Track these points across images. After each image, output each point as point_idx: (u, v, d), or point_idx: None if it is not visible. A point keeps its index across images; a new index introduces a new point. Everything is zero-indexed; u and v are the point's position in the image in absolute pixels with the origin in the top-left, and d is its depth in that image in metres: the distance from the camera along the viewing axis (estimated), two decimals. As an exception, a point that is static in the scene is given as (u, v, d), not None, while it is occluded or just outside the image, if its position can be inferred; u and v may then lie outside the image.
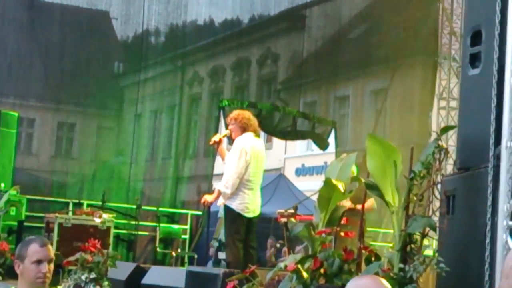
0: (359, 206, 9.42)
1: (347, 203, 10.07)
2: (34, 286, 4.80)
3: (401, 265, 6.65)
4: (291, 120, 17.48)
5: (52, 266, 4.86)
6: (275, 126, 17.74)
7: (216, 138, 10.17)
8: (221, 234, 14.87)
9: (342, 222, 8.92)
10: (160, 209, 16.75)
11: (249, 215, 9.80)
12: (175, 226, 16.54)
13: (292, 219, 10.54)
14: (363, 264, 7.46)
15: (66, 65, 19.72)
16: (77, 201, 15.82)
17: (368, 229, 10.64)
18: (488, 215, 6.07)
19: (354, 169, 9.15)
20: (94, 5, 20.02)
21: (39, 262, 4.77)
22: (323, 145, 18.05)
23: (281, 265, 7.79)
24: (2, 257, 11.83)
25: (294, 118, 17.52)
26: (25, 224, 14.35)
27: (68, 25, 19.71)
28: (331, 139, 18.09)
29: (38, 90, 19.96)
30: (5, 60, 18.98)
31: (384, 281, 3.28)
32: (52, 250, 4.90)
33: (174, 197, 19.48)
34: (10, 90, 19.01)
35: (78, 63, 19.79)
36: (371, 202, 10.49)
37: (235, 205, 9.75)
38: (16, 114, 15.44)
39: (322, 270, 7.40)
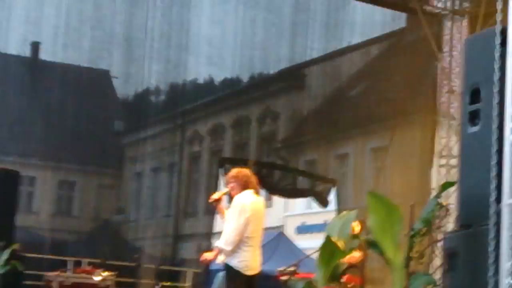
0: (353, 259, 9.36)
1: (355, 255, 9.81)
2: None
3: (403, 324, 6.61)
4: (291, 178, 17.51)
5: None
6: (276, 184, 17.75)
7: (216, 196, 10.14)
8: None
9: (343, 279, 8.87)
10: (160, 267, 16.64)
11: (250, 272, 9.74)
12: (175, 284, 16.45)
13: (293, 277, 10.45)
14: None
15: (67, 124, 19.77)
16: (77, 259, 15.73)
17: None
18: (490, 273, 6.05)
19: (356, 226, 9.11)
20: (95, 64, 20.16)
21: None
22: (323, 203, 18.04)
23: (282, 323, 7.75)
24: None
25: (294, 176, 17.54)
26: (25, 282, 14.25)
27: (69, 84, 19.80)
28: (332, 197, 18.07)
29: (39, 149, 19.98)
30: (6, 119, 19.05)
31: None
32: None
33: (174, 255, 19.43)
34: (11, 148, 19.04)
35: (79, 122, 19.85)
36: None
37: (235, 262, 9.69)
38: (17, 173, 15.42)
39: (323, 328, 7.35)
